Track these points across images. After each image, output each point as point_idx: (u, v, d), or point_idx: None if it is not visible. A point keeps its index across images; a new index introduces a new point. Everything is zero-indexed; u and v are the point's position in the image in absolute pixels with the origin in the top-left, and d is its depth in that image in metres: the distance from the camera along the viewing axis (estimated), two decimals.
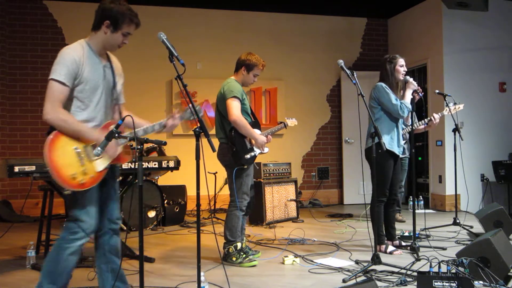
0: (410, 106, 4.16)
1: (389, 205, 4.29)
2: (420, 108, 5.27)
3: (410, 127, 4.51)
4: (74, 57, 2.44)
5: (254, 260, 3.90)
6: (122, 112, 2.75)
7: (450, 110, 4.93)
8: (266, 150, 4.07)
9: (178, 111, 2.83)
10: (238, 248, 3.88)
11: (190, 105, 2.51)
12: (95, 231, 2.55)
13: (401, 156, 4.28)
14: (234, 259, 3.85)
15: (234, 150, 3.84)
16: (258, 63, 3.99)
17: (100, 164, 2.50)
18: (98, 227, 2.61)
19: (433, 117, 4.84)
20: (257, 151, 3.98)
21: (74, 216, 2.48)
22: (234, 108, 3.81)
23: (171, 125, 2.73)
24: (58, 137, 2.40)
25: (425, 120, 4.92)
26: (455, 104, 5.03)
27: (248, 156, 3.89)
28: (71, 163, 2.40)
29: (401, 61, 4.23)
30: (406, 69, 4.26)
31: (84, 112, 2.49)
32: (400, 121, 4.28)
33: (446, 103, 4.99)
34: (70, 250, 2.47)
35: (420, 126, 4.91)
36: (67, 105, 2.46)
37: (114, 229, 2.68)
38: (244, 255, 3.88)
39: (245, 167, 3.90)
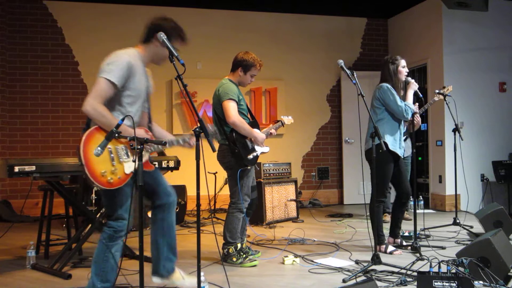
0: (413, 108, 4.16)
1: (401, 205, 4.28)
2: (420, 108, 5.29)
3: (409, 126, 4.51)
4: (130, 61, 2.58)
5: (255, 260, 3.89)
6: (145, 117, 2.91)
7: (440, 93, 4.92)
8: (267, 149, 4.05)
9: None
10: (238, 249, 3.87)
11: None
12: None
13: (404, 156, 4.27)
14: (234, 259, 3.84)
15: (237, 151, 3.81)
16: (255, 63, 3.91)
17: (128, 167, 2.63)
18: (158, 202, 2.88)
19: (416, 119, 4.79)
20: (259, 151, 3.96)
21: (116, 215, 2.67)
22: (231, 109, 3.76)
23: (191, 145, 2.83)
24: (94, 133, 2.52)
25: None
26: (443, 88, 5.01)
27: (250, 156, 3.86)
28: (103, 160, 2.52)
29: (403, 62, 4.24)
30: (408, 70, 4.28)
31: (122, 116, 2.58)
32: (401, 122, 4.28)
33: (438, 91, 4.97)
34: (116, 247, 2.69)
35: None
36: (108, 105, 2.57)
37: (172, 203, 2.93)
38: (244, 255, 3.87)
39: (248, 167, 3.87)
